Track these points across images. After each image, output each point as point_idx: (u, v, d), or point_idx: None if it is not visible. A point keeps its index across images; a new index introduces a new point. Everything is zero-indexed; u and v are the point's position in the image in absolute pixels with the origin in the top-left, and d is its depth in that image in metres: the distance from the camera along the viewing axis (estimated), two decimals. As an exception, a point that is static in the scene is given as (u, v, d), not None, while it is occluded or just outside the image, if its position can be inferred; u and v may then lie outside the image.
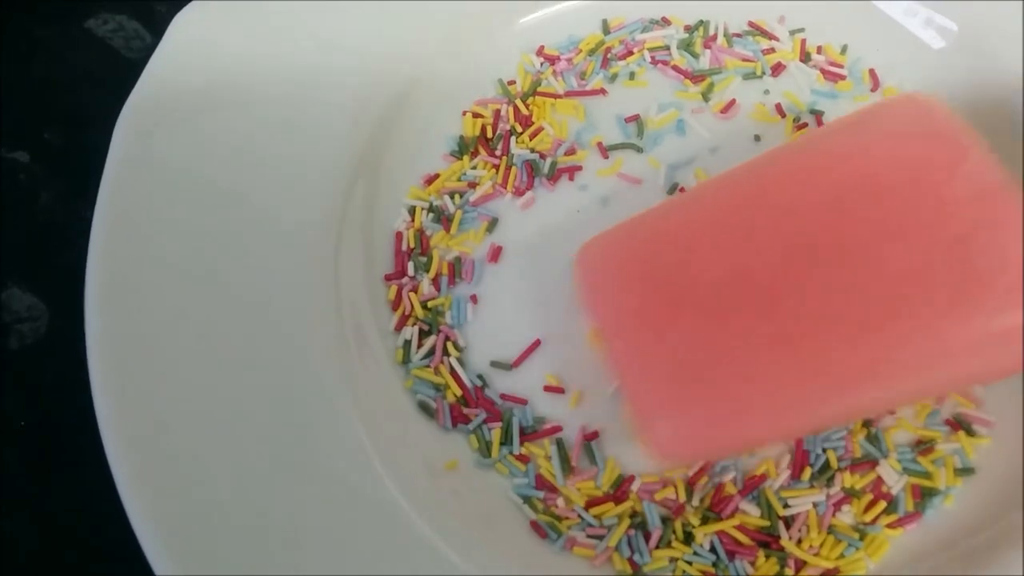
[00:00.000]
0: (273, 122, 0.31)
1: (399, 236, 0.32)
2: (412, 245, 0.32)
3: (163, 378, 0.26)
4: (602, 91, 0.35)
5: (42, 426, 0.31)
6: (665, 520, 0.27)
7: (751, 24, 0.37)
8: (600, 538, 0.27)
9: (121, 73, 0.33)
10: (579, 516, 0.27)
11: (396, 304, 0.31)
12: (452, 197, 0.33)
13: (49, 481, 0.30)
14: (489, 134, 0.34)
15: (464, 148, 0.34)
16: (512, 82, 0.35)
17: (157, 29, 0.33)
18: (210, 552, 0.24)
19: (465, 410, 0.29)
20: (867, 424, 0.28)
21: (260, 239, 0.29)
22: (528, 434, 0.29)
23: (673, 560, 0.27)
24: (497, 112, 0.35)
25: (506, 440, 0.29)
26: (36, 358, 0.32)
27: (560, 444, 0.29)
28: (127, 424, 0.25)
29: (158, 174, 0.29)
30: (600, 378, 0.29)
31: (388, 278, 0.32)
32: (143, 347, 0.26)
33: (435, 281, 0.31)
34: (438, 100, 0.35)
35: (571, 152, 0.34)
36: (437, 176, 0.33)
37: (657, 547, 0.27)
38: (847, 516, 0.27)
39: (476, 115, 0.35)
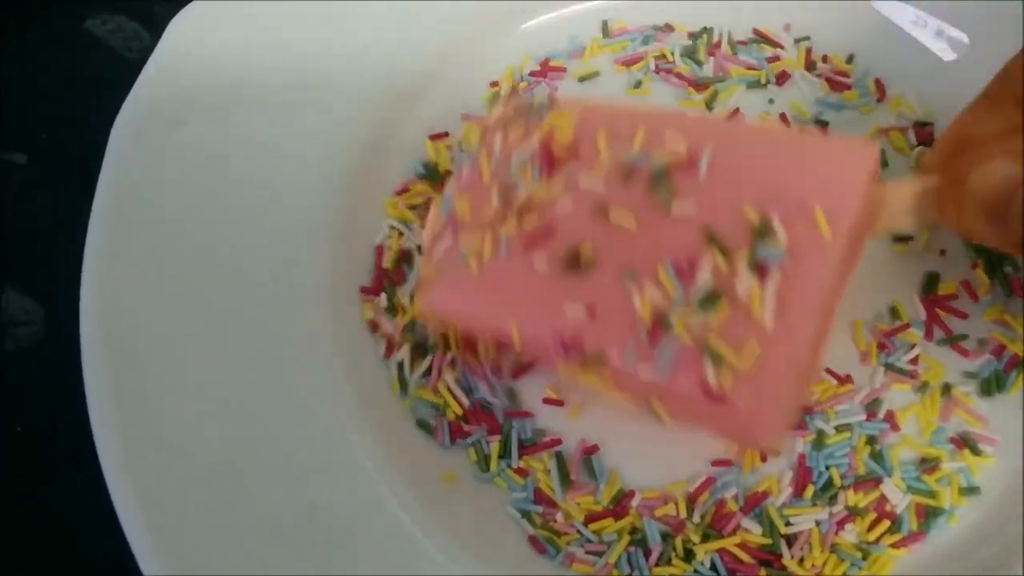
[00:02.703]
0: (272, 127, 0.31)
1: (379, 250, 0.32)
2: (389, 267, 0.32)
3: (157, 384, 0.26)
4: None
5: (38, 430, 0.31)
6: (665, 537, 0.27)
7: (756, 31, 0.36)
8: (599, 555, 0.27)
9: (120, 74, 0.32)
10: (578, 532, 0.27)
11: (374, 327, 0.31)
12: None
13: (45, 485, 0.30)
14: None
15: (434, 175, 0.33)
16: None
17: (156, 30, 0.32)
18: (205, 560, 0.24)
19: (465, 427, 0.29)
20: (871, 442, 0.28)
21: (257, 244, 0.29)
22: (527, 447, 0.29)
23: (673, 577, 0.26)
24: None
25: (505, 453, 0.28)
26: (32, 361, 0.32)
27: (559, 458, 0.28)
28: (123, 435, 0.25)
29: (154, 178, 0.28)
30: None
31: (364, 291, 0.31)
32: (137, 356, 0.26)
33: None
34: (439, 106, 0.34)
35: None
36: (407, 189, 0.33)
37: (657, 564, 0.27)
38: (850, 535, 0.27)
39: (436, 137, 0.34)
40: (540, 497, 0.28)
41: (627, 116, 0.27)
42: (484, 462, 0.28)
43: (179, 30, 0.31)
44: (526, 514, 0.28)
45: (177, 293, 0.27)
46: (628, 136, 0.27)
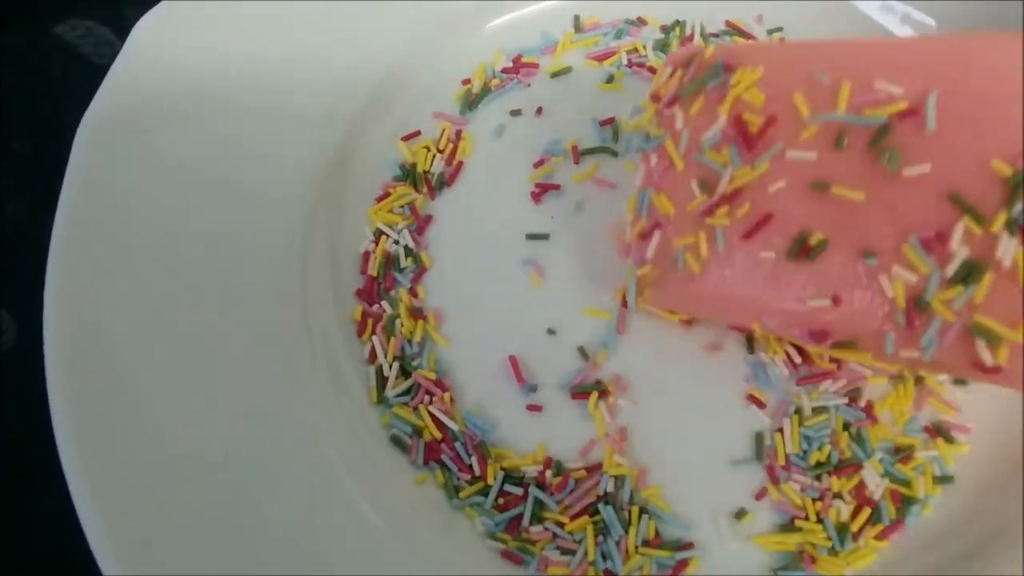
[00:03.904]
0: (239, 132, 0.30)
1: (366, 256, 0.31)
2: (376, 274, 0.31)
3: (122, 391, 0.26)
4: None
5: (5, 440, 0.30)
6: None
7: (728, 23, 0.36)
8: (572, 552, 0.27)
9: (90, 80, 0.32)
10: (553, 534, 0.27)
11: (362, 328, 0.30)
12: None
13: (12, 496, 0.30)
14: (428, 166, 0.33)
15: (415, 178, 0.33)
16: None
17: (126, 35, 0.32)
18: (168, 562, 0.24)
19: (441, 447, 0.28)
20: (847, 427, 0.28)
21: (224, 250, 0.29)
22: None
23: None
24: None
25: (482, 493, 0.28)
26: (2, 372, 0.32)
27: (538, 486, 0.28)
28: (83, 438, 0.25)
29: (119, 185, 0.28)
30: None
31: (359, 294, 0.31)
32: (101, 363, 0.26)
33: (409, 340, 0.30)
34: (409, 106, 0.34)
35: (539, 164, 0.33)
36: (387, 195, 0.33)
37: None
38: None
39: (407, 137, 0.34)
40: (513, 526, 0.27)
41: (821, 62, 0.24)
42: (453, 491, 0.28)
43: (144, 34, 0.30)
44: (497, 537, 0.27)
45: (142, 301, 0.27)
46: (830, 91, 0.24)
